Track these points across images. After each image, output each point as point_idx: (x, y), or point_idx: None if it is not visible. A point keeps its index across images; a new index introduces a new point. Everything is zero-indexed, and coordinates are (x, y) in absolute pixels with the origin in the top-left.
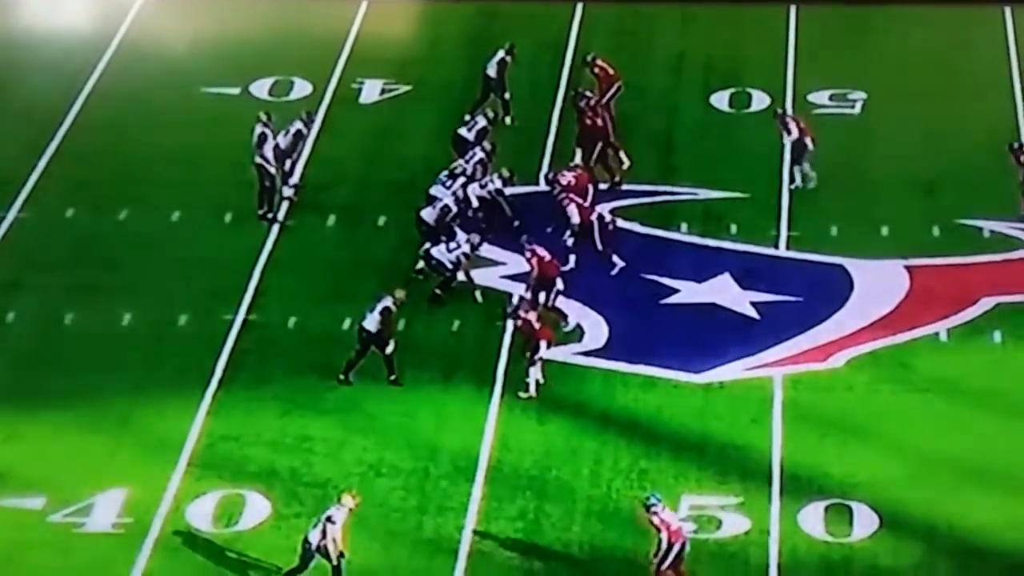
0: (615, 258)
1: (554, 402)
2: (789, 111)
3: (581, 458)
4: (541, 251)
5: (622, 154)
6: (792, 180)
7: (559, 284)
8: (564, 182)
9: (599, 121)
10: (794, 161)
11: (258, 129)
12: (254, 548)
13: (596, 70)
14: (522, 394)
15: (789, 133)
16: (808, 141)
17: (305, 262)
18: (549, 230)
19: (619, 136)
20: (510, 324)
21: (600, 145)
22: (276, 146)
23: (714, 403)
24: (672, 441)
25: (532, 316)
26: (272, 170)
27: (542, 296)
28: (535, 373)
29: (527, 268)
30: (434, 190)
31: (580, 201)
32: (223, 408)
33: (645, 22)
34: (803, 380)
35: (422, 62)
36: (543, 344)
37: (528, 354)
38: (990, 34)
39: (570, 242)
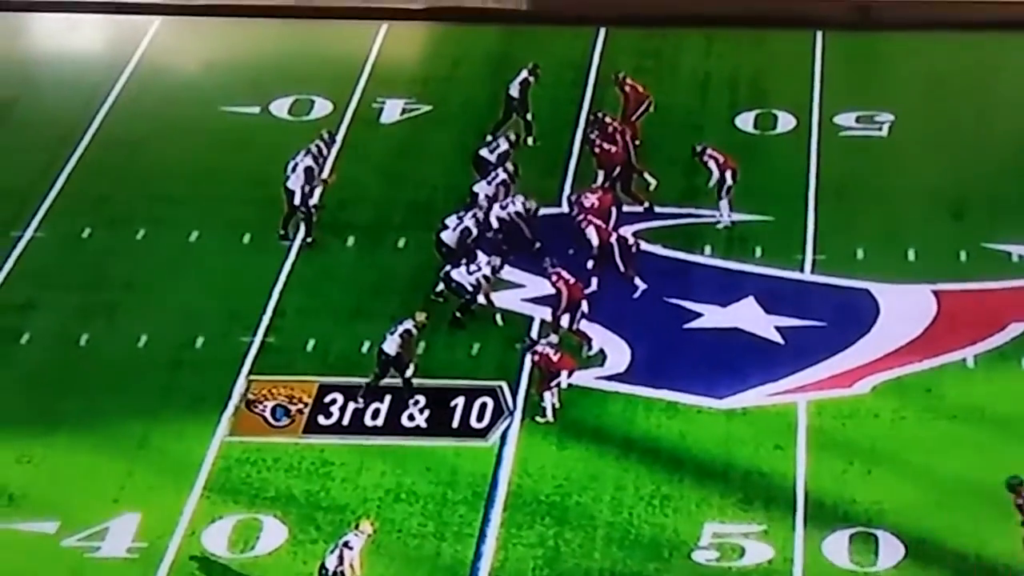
0: (637, 280)
1: (575, 427)
2: (709, 148)
3: (602, 484)
4: (566, 274)
5: (647, 175)
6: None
7: (584, 307)
8: (587, 204)
9: (613, 148)
10: (718, 196)
11: (307, 161)
12: (270, 574)
13: (626, 88)
14: (539, 419)
15: (710, 173)
16: (728, 176)
17: (324, 283)
18: (572, 252)
19: (641, 157)
20: (528, 359)
21: (618, 170)
22: (308, 168)
23: (737, 429)
24: (695, 467)
25: (549, 350)
26: (297, 198)
27: (565, 320)
28: (550, 398)
29: (552, 292)
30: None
31: (599, 223)
32: (240, 431)
33: (670, 42)
34: (828, 406)
35: (443, 82)
36: (564, 373)
37: (544, 382)
38: (1018, 57)
39: (591, 265)
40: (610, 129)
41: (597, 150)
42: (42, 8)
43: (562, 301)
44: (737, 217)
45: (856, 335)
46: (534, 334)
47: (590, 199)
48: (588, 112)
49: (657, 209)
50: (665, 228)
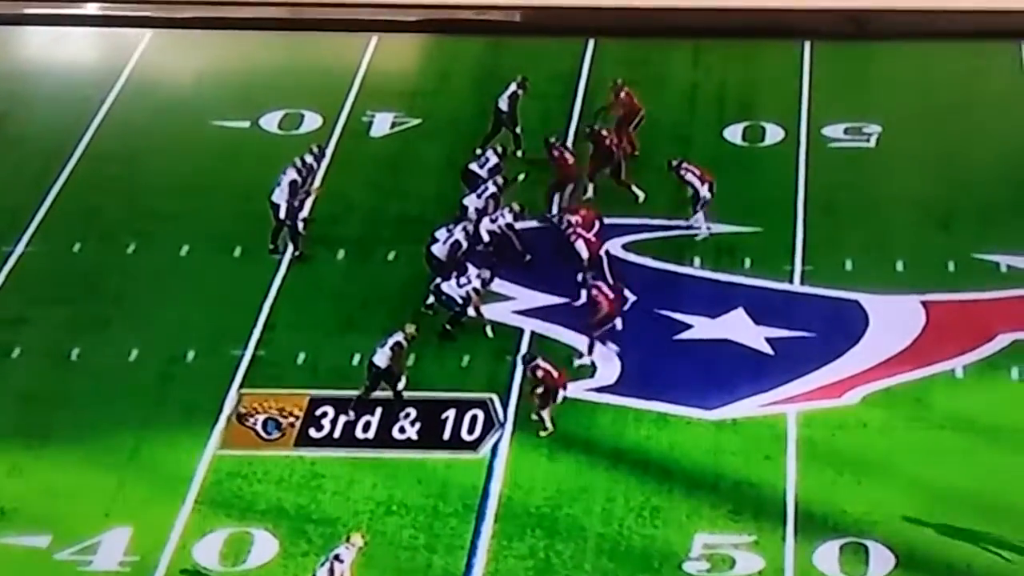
0: (626, 292)
1: (565, 439)
2: (685, 162)
3: (592, 495)
4: (606, 289)
5: (635, 188)
6: (704, 227)
7: (618, 324)
8: (573, 220)
9: (570, 159)
10: (694, 210)
11: (291, 174)
12: None
13: (622, 94)
14: (543, 433)
15: (693, 188)
16: (706, 191)
17: (314, 296)
18: (562, 264)
19: (630, 169)
20: (529, 374)
21: (572, 187)
22: (293, 182)
23: (727, 440)
24: (685, 478)
25: (549, 366)
26: (283, 212)
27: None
28: (549, 414)
29: (595, 305)
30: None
31: (588, 236)
32: (231, 445)
33: (658, 54)
34: (818, 417)
35: (433, 95)
36: (561, 391)
37: (545, 397)
38: (1006, 67)
39: (580, 277)
40: (607, 141)
41: (555, 152)
42: (33, 22)
43: (598, 314)
44: (726, 229)
45: (845, 346)
46: (523, 347)
47: (574, 216)
48: (577, 124)
49: (646, 221)
50: (654, 240)
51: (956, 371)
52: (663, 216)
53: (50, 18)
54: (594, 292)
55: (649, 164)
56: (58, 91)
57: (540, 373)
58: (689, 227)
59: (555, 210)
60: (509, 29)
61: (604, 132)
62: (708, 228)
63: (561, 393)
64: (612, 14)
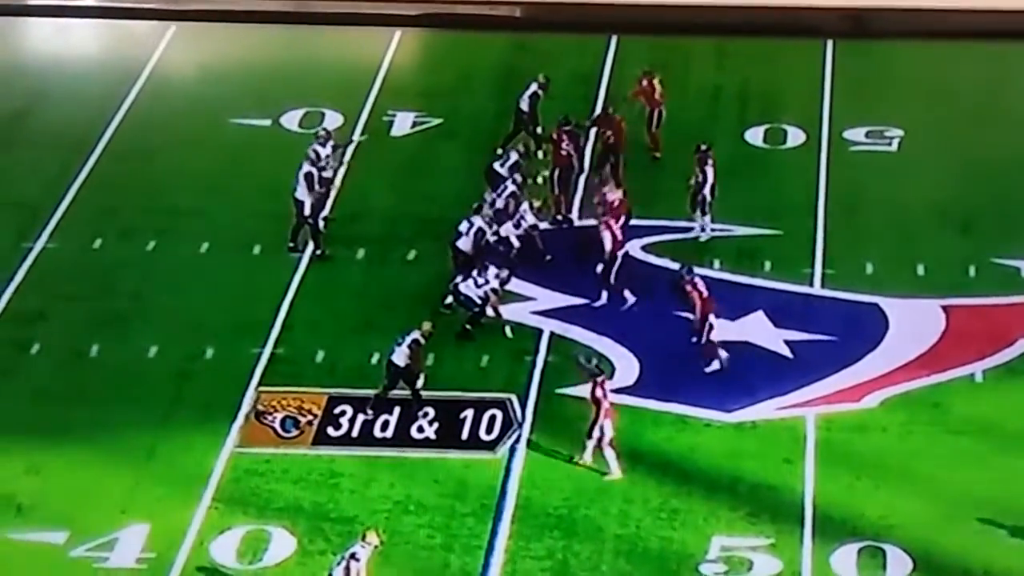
0: (627, 293)
1: (583, 439)
2: (711, 154)
3: (610, 497)
4: (702, 285)
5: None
6: (702, 228)
7: (712, 320)
8: (611, 199)
9: (567, 151)
10: (698, 209)
11: (305, 167)
12: None
13: (645, 83)
14: (607, 477)
15: (703, 177)
16: (707, 190)
17: (333, 295)
18: (578, 263)
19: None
20: (586, 375)
21: (559, 172)
22: (308, 174)
23: (746, 442)
24: (703, 481)
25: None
26: (307, 209)
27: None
28: (612, 454)
29: (692, 302)
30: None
31: (615, 228)
32: (249, 442)
33: (680, 55)
34: (836, 420)
35: (454, 94)
36: (608, 423)
37: (598, 433)
38: None
39: (600, 268)
40: (608, 136)
41: (555, 135)
42: (54, 12)
43: (696, 314)
44: (746, 231)
45: (865, 349)
46: (542, 348)
47: (614, 195)
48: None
49: (666, 223)
50: (674, 241)
51: (976, 376)
52: (683, 218)
53: (76, 10)
54: (688, 288)
55: (671, 166)
56: (79, 88)
57: (600, 391)
58: (700, 226)
59: (556, 190)
60: (530, 25)
61: (618, 116)
62: (710, 231)
63: (607, 427)
64: (634, 10)
